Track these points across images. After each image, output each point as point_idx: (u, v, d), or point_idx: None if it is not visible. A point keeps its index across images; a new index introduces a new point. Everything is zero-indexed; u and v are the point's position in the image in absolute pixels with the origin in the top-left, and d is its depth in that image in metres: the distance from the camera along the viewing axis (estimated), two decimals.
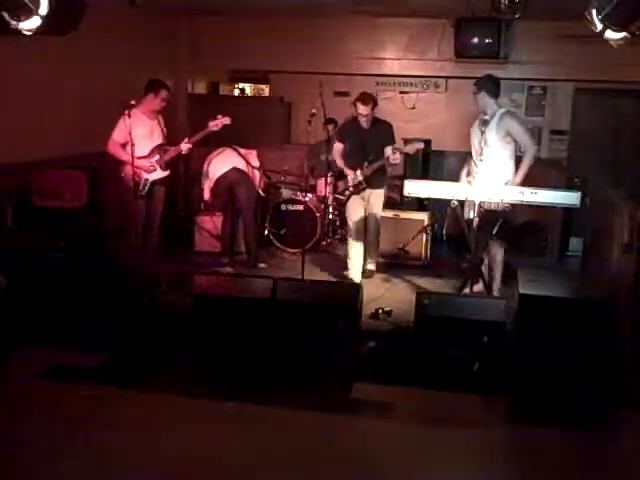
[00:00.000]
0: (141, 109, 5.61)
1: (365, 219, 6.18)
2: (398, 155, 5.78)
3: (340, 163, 6.15)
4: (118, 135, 5.59)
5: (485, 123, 5.27)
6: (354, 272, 6.14)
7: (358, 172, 5.95)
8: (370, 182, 5.99)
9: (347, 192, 6.12)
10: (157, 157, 5.79)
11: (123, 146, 5.61)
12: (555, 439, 3.60)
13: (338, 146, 6.16)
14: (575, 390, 3.93)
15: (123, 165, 5.68)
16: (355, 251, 6.16)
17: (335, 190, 6.46)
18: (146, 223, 5.72)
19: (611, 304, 4.32)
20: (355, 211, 6.15)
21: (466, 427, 3.76)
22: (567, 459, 3.47)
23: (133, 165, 5.47)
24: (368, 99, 5.86)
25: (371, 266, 6.36)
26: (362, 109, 5.83)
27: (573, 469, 3.39)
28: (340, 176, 6.26)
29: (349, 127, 6.13)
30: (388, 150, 5.85)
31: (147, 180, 5.74)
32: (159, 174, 5.84)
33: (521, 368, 4.14)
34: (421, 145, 5.99)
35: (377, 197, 6.16)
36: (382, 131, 5.99)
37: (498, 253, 5.57)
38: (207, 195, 6.70)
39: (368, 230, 6.22)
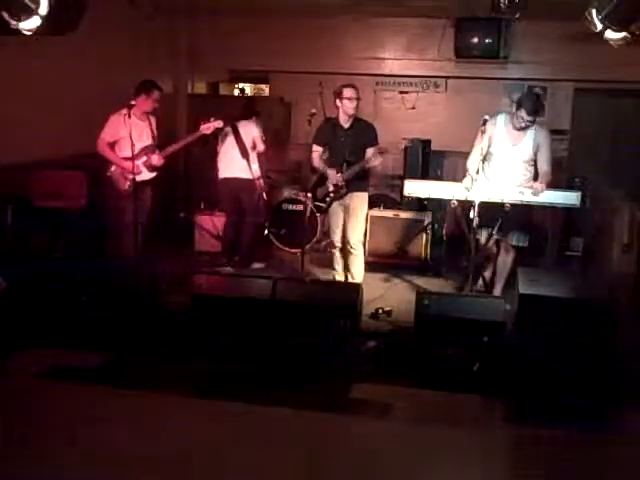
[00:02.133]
0: (133, 110, 5.55)
1: (345, 228, 5.65)
2: (378, 160, 5.38)
3: (320, 167, 5.63)
4: (107, 134, 5.59)
5: (522, 129, 5.20)
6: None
7: (338, 175, 5.48)
8: (350, 185, 5.52)
9: (328, 198, 5.63)
10: (144, 159, 5.76)
11: (111, 146, 5.61)
12: (555, 439, 3.60)
13: (316, 149, 5.62)
14: (575, 390, 3.93)
15: (110, 165, 5.68)
16: (341, 265, 5.82)
17: (315, 197, 5.81)
18: (133, 224, 5.65)
19: (611, 304, 4.32)
20: (337, 219, 5.70)
21: (466, 427, 3.76)
22: (567, 459, 3.47)
23: (133, 165, 5.45)
24: (352, 84, 5.50)
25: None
26: (349, 92, 5.39)
27: (573, 469, 3.39)
28: (319, 182, 5.72)
29: (327, 128, 5.60)
30: (370, 151, 5.42)
31: (135, 181, 5.65)
32: (145, 176, 5.80)
33: (521, 368, 4.14)
34: (386, 151, 5.49)
35: (358, 201, 5.60)
36: (363, 131, 5.52)
37: (509, 257, 5.55)
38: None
39: (350, 239, 5.63)
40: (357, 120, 5.56)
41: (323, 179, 5.66)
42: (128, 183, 5.58)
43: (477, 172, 5.14)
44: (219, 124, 5.86)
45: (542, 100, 8.08)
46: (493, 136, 5.28)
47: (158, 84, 5.79)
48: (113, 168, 5.64)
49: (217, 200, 6.87)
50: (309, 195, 6.43)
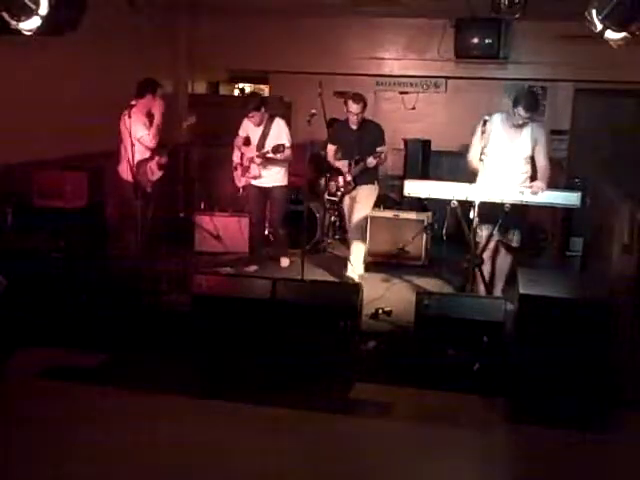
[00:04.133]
0: (140, 109, 5.58)
1: (351, 220, 6.20)
2: (372, 160, 5.79)
3: (334, 164, 6.19)
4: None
5: (520, 127, 5.20)
6: (357, 270, 6.17)
7: (347, 173, 6.05)
8: (357, 180, 6.06)
9: (339, 193, 6.22)
10: (157, 158, 5.80)
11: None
12: (555, 439, 3.60)
13: (330, 148, 6.21)
14: (575, 390, 3.93)
15: (121, 166, 5.69)
16: (356, 249, 6.18)
17: (328, 192, 6.46)
18: (141, 223, 5.66)
19: (611, 304, 4.32)
20: (347, 211, 6.28)
21: (466, 427, 3.76)
22: (567, 459, 3.47)
23: (132, 166, 5.45)
24: (359, 98, 5.93)
25: (351, 273, 6.10)
26: (353, 107, 5.89)
27: (573, 469, 3.39)
28: (331, 178, 6.32)
29: (339, 129, 6.23)
30: (378, 150, 5.87)
31: (148, 181, 5.74)
32: (156, 175, 5.86)
33: (521, 368, 4.14)
34: (383, 157, 5.85)
35: (363, 194, 6.12)
36: (371, 132, 6.01)
37: (508, 257, 5.55)
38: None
39: (352, 232, 6.22)
40: (365, 121, 6.03)
41: (333, 175, 6.25)
42: (150, 184, 5.71)
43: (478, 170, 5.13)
44: (192, 120, 6.05)
45: (540, 99, 8.09)
46: (491, 135, 5.28)
47: (156, 81, 5.81)
48: (126, 169, 5.63)
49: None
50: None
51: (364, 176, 6.06)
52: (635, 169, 7.50)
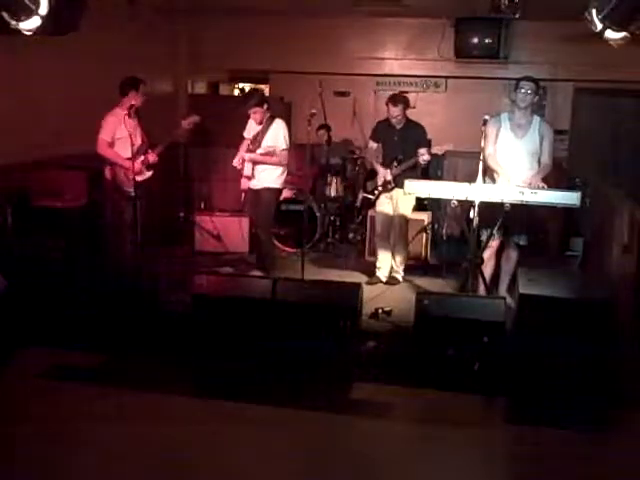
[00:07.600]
0: (124, 109, 5.57)
1: (391, 221, 6.25)
2: (427, 156, 5.85)
3: (373, 162, 6.28)
4: (106, 135, 5.57)
5: (520, 127, 5.29)
6: (382, 273, 6.29)
7: (387, 171, 6.06)
8: (398, 182, 5.97)
9: (376, 191, 6.22)
10: (142, 158, 5.76)
11: (110, 145, 5.60)
12: (555, 439, 3.60)
13: (372, 146, 6.28)
14: (575, 390, 3.93)
15: (108, 166, 5.67)
16: (383, 253, 6.29)
17: (365, 190, 6.51)
18: (132, 224, 5.61)
19: (611, 304, 4.32)
20: (382, 211, 6.26)
21: (466, 427, 3.76)
22: (567, 459, 3.47)
23: (133, 165, 5.45)
24: (398, 100, 5.98)
25: (396, 274, 6.31)
26: (393, 110, 5.94)
27: (573, 469, 3.39)
28: (370, 176, 6.43)
29: (382, 127, 6.21)
30: (421, 151, 5.87)
31: (135, 181, 5.63)
32: (145, 175, 5.83)
33: (521, 368, 4.14)
34: (450, 146, 5.89)
35: (405, 197, 5.98)
36: (414, 132, 6.05)
37: (512, 256, 5.55)
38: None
39: (394, 233, 6.26)
40: (408, 121, 6.10)
41: (373, 174, 6.36)
42: (132, 183, 5.57)
43: (485, 172, 5.12)
44: (196, 119, 6.00)
45: (541, 100, 8.09)
46: (499, 134, 5.33)
47: (141, 78, 5.76)
48: (116, 169, 5.62)
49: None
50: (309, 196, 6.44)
51: (407, 178, 5.83)
52: (635, 169, 7.50)
